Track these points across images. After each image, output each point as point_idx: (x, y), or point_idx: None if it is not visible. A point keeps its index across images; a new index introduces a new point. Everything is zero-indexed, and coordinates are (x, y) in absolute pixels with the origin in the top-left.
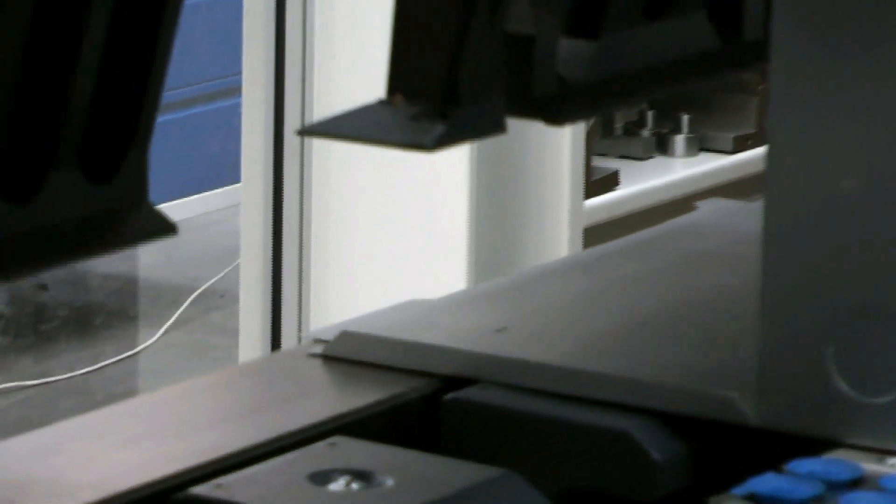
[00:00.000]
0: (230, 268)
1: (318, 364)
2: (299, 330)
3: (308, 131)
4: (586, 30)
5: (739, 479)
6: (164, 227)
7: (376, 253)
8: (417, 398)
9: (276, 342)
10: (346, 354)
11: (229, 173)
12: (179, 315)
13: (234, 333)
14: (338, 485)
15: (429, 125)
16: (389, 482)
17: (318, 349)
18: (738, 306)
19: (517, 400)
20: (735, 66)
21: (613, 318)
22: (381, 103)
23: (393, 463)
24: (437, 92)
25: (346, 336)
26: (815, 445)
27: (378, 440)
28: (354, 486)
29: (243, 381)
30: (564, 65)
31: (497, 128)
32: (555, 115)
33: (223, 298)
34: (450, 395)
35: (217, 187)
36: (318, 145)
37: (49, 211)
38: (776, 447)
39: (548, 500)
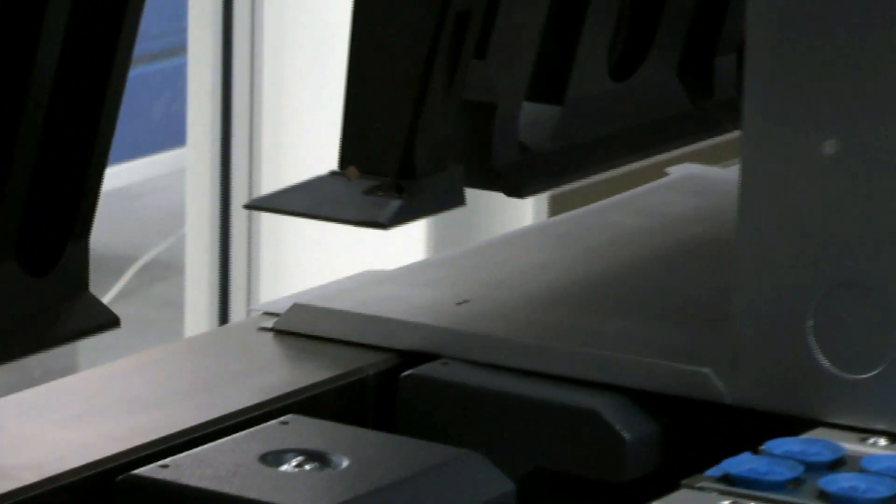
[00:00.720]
0: (175, 237)
1: (268, 338)
2: (248, 303)
3: (256, 206)
4: (550, 94)
5: (714, 459)
6: (107, 320)
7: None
8: (374, 375)
9: (224, 316)
10: (299, 328)
11: (175, 136)
12: (122, 287)
13: (179, 306)
14: (291, 465)
15: (384, 200)
16: (345, 463)
17: (269, 323)
18: (711, 277)
19: (480, 377)
20: (707, 129)
21: (581, 289)
22: (333, 175)
23: (348, 443)
24: (393, 165)
25: (298, 309)
26: (794, 424)
27: (333, 419)
28: (308, 466)
29: (190, 357)
30: (527, 131)
31: (455, 201)
32: (516, 185)
33: (168, 270)
34: (408, 372)
35: (162, 151)
36: (269, 108)
37: None
38: (753, 426)
39: (511, 481)
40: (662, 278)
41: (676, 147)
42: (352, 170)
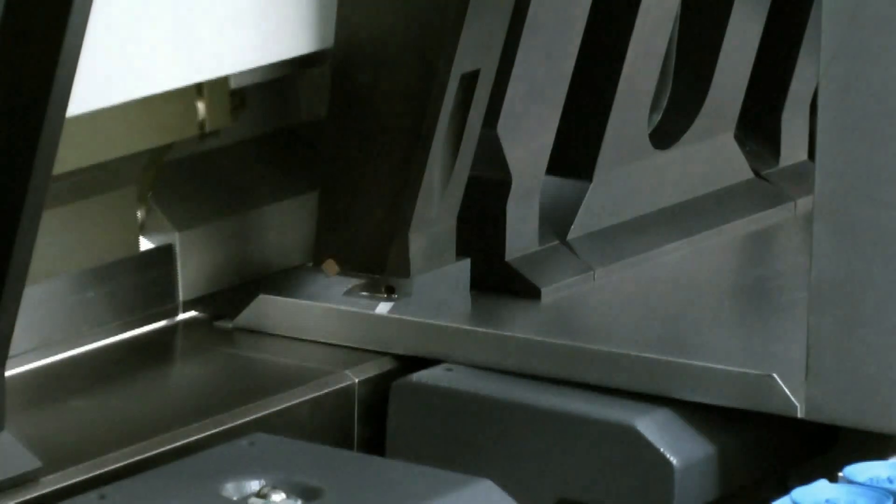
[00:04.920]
0: None
1: (227, 338)
2: None
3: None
4: (577, 167)
5: (781, 488)
6: (27, 466)
7: None
8: (360, 382)
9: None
10: (266, 326)
11: None
12: None
13: None
14: (256, 496)
15: (370, 303)
16: (324, 492)
17: (227, 321)
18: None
19: (492, 385)
20: (770, 202)
21: (623, 292)
22: (305, 269)
23: (328, 467)
24: (381, 260)
25: (264, 302)
26: (880, 444)
27: (310, 437)
28: (277, 497)
29: (129, 359)
30: (549, 214)
31: (460, 303)
32: (536, 283)
33: None
34: (403, 379)
35: None
36: None
37: None
38: (829, 446)
39: None
40: (727, 288)
41: (731, 225)
42: (329, 264)
